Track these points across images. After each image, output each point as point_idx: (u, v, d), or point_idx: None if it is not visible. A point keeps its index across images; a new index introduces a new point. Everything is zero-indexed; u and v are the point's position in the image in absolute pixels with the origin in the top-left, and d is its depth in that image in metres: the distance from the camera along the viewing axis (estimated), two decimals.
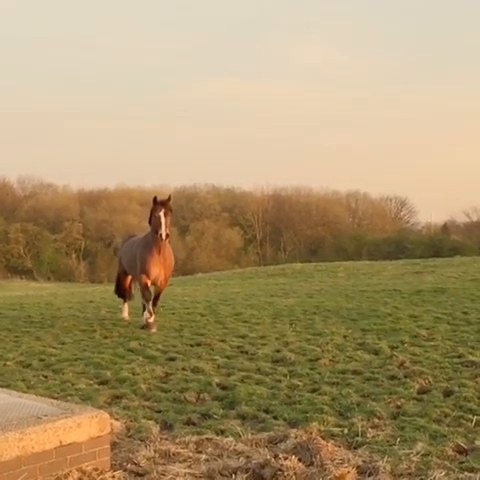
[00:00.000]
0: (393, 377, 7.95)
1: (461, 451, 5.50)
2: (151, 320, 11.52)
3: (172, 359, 9.28)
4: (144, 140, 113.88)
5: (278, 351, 9.62)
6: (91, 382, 8.05)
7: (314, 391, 7.43)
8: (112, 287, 14.91)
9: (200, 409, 6.80)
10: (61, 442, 4.77)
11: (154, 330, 11.33)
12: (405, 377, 7.89)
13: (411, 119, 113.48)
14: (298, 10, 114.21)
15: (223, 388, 7.66)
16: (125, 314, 13.09)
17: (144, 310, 11.95)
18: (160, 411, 6.79)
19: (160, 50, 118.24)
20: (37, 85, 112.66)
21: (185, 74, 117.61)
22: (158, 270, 11.66)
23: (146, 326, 11.51)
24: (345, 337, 10.59)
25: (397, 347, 9.67)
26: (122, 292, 13.35)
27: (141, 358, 9.30)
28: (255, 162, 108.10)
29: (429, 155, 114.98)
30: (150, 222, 11.60)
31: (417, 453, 5.33)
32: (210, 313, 13.44)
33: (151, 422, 6.31)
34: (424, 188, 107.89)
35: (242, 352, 9.64)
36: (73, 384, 7.92)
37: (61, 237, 72.33)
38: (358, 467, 4.99)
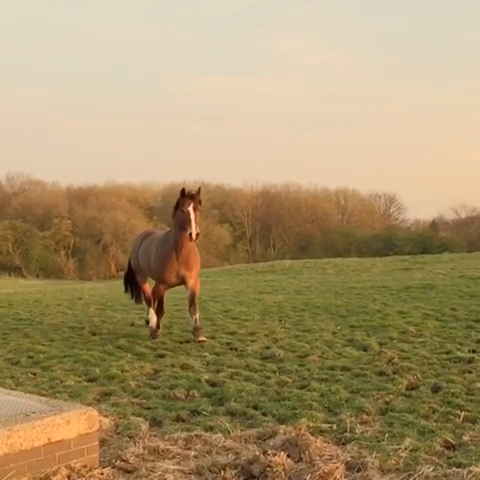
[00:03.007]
0: (382, 373, 7.97)
1: (449, 446, 5.52)
2: (153, 324, 10.69)
3: (161, 356, 9.27)
4: (133, 137, 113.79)
5: (267, 348, 9.62)
6: (80, 379, 8.03)
7: (303, 387, 7.44)
8: (101, 284, 14.79)
9: (189, 406, 6.79)
10: (49, 439, 4.76)
11: (157, 336, 10.48)
12: (394, 373, 7.92)
13: (400, 117, 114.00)
14: (288, 7, 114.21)
15: (212, 385, 7.66)
16: (154, 319, 10.90)
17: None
18: (149, 408, 6.78)
19: (149, 48, 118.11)
20: (24, 83, 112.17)
21: (174, 71, 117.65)
22: (176, 273, 10.34)
23: (151, 334, 10.59)
24: (334, 334, 10.61)
25: (386, 343, 9.69)
26: (146, 300, 11.43)
27: (130, 355, 9.29)
28: (244, 159, 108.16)
29: (418, 152, 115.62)
30: (174, 217, 10.31)
31: (405, 449, 5.34)
32: (199, 310, 13.41)
33: (140, 419, 6.30)
34: (413, 185, 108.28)
35: (231, 349, 9.64)
36: (62, 381, 7.91)
37: (50, 234, 72.08)
38: (347, 463, 5.00)
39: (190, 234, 9.81)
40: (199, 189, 10.32)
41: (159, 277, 10.66)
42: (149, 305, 11.15)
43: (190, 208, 9.85)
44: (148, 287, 11.50)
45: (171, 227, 10.63)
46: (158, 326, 10.72)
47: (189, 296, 10.43)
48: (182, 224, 9.94)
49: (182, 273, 10.32)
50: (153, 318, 10.83)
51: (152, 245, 10.81)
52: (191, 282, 10.41)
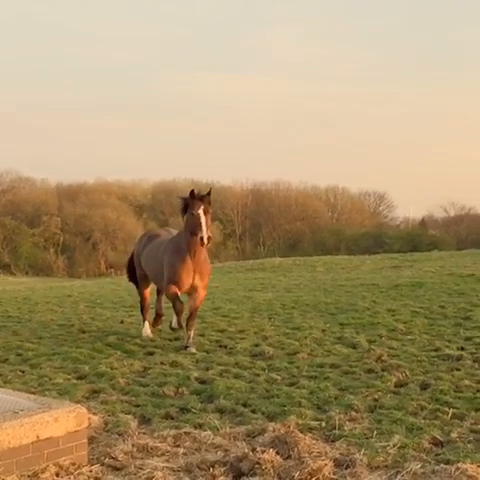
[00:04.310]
0: (370, 371, 8.01)
1: (437, 443, 5.55)
2: (176, 327, 10.02)
3: (150, 353, 9.27)
4: (123, 135, 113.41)
5: (257, 345, 9.64)
6: (69, 377, 8.01)
7: (292, 385, 7.46)
8: (90, 281, 14.70)
9: (178, 403, 6.80)
10: (38, 437, 4.75)
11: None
12: (382, 371, 7.95)
13: (390, 116, 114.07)
14: (280, 5, 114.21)
15: (201, 382, 7.67)
16: (148, 332, 10.68)
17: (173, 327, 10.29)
18: (138, 405, 6.77)
19: (139, 45, 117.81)
20: (14, 81, 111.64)
21: (164, 69, 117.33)
22: (191, 280, 9.68)
23: (173, 328, 10.21)
24: (323, 331, 10.63)
25: (375, 341, 9.73)
26: (142, 305, 11.16)
27: (119, 352, 9.28)
28: (234, 157, 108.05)
29: (408, 151, 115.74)
30: (183, 219, 9.74)
31: (394, 446, 5.37)
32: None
33: (129, 416, 6.30)
34: (403, 183, 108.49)
35: (221, 346, 9.65)
36: (51, 379, 7.89)
37: (39, 231, 71.76)
38: (335, 460, 5.02)
39: (201, 239, 9.22)
40: (210, 190, 9.73)
41: (175, 282, 9.72)
42: (144, 316, 10.90)
43: (200, 211, 9.30)
44: (148, 294, 11.23)
45: (181, 230, 10.06)
46: (180, 325, 9.89)
47: (190, 308, 9.88)
48: (192, 228, 9.38)
49: (195, 282, 9.75)
50: (147, 330, 10.67)
51: (160, 250, 10.18)
52: (197, 293, 9.85)
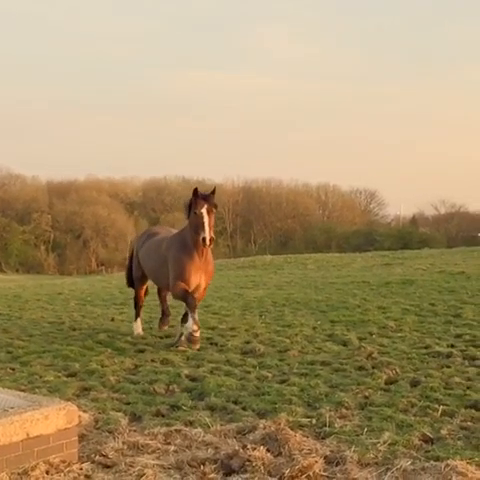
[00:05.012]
0: (361, 368, 8.02)
1: (427, 440, 5.57)
2: (197, 334, 9.19)
3: (141, 351, 9.26)
4: (114, 132, 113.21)
5: (247, 342, 9.64)
6: (59, 374, 7.99)
7: (283, 382, 7.46)
8: (81, 279, 14.66)
9: (169, 401, 6.79)
10: (28, 434, 4.74)
11: (198, 346, 9.20)
12: (373, 368, 7.96)
13: (381, 114, 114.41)
14: (273, 3, 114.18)
15: (192, 379, 7.66)
16: (139, 330, 10.62)
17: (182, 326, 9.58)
18: (129, 403, 6.76)
19: (131, 43, 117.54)
20: (3, 78, 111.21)
21: (155, 66, 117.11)
22: (199, 278, 9.44)
23: (189, 340, 9.21)
24: (314, 328, 10.65)
25: (365, 338, 9.75)
26: (135, 302, 10.97)
27: (110, 350, 9.26)
28: (226, 154, 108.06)
29: (399, 149, 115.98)
30: (188, 219, 9.42)
31: (384, 442, 5.38)
32: (179, 305, 13.39)
33: (120, 414, 6.29)
34: (393, 181, 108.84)
35: (212, 344, 9.65)
36: (41, 376, 7.86)
37: (30, 229, 71.58)
38: (326, 457, 5.02)
39: (203, 239, 8.97)
40: (214, 189, 9.44)
41: (184, 279, 9.37)
42: (138, 313, 10.73)
43: (203, 210, 9.03)
44: (143, 293, 11.06)
45: (184, 227, 9.73)
46: (197, 323, 9.27)
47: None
48: (195, 228, 9.13)
49: (201, 281, 9.50)
50: (139, 328, 10.54)
51: (161, 246, 9.90)
52: (198, 293, 9.58)
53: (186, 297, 9.33)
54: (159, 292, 10.93)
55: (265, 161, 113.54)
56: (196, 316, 9.24)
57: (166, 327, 10.73)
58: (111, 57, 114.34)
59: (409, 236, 61.50)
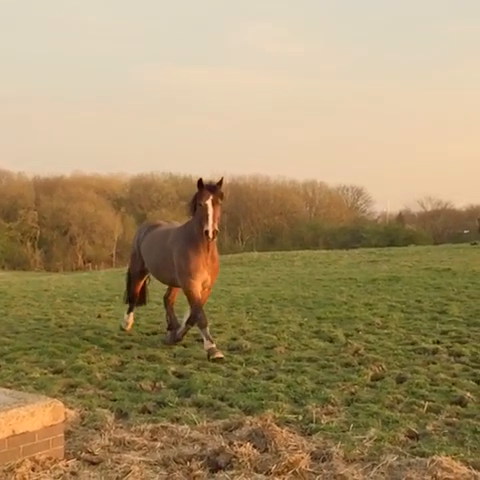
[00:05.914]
0: (347, 364, 8.05)
1: (413, 436, 5.60)
2: (213, 345, 8.64)
3: (128, 348, 9.24)
4: (101, 128, 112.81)
5: (234, 339, 9.65)
6: (45, 371, 7.97)
7: (269, 378, 7.48)
8: (68, 276, 14.55)
9: (156, 397, 6.79)
10: (14, 431, 4.72)
11: (220, 355, 8.48)
12: (359, 364, 8.00)
13: (368, 111, 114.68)
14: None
15: (179, 376, 7.67)
16: (129, 327, 10.40)
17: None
18: (115, 400, 6.75)
19: (119, 39, 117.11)
20: None
21: (143, 63, 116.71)
22: (206, 274, 9.03)
23: (211, 356, 8.47)
24: (301, 325, 10.67)
25: (352, 335, 9.78)
26: (131, 297, 10.59)
27: (96, 347, 9.24)
28: (212, 151, 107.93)
29: (385, 146, 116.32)
30: (192, 211, 9.00)
31: (370, 439, 5.41)
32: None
33: (106, 411, 6.29)
34: (380, 178, 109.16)
35: (198, 340, 9.62)
36: (27, 373, 7.84)
37: (16, 225, 71.19)
38: (312, 453, 5.04)
39: (206, 232, 8.55)
40: (221, 180, 8.88)
41: (191, 273, 8.94)
42: (131, 307, 10.48)
43: (208, 201, 8.56)
44: (139, 287, 10.60)
45: (191, 222, 9.17)
46: (210, 339, 8.78)
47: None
48: (199, 220, 8.70)
49: (208, 272, 9.09)
50: (129, 324, 10.39)
51: (166, 238, 9.48)
52: (206, 287, 9.24)
53: (197, 311, 8.90)
54: (166, 300, 10.32)
55: (252, 158, 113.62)
56: (208, 332, 8.81)
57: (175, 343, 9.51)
58: (96, 52, 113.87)
59: (395, 233, 61.73)
